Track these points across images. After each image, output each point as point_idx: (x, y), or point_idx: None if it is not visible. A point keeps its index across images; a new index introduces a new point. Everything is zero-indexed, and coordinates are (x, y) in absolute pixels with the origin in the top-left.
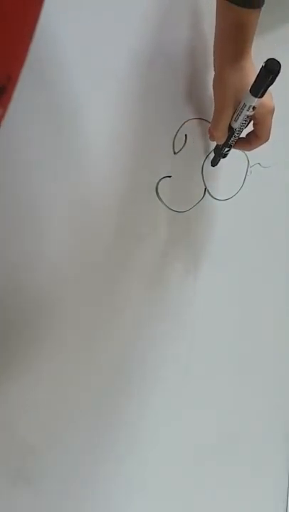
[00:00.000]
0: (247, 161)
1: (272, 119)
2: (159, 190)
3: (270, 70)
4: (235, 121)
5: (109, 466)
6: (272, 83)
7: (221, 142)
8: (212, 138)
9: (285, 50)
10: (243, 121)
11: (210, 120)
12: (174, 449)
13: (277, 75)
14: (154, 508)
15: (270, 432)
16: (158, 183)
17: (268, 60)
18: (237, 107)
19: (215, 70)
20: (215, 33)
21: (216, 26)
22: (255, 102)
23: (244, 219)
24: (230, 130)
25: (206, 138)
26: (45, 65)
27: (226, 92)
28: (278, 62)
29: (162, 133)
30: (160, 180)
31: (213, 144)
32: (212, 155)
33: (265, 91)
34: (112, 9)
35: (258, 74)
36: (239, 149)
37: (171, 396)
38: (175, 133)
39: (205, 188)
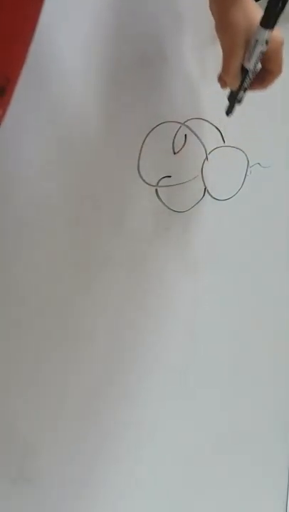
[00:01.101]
0: (247, 161)
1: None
2: (159, 190)
3: None
4: (249, 60)
5: (109, 466)
6: (282, 11)
7: (235, 87)
8: (224, 85)
9: (285, 50)
10: (257, 59)
11: (210, 120)
12: (174, 449)
13: (286, 2)
14: (153, 507)
15: (270, 432)
16: (158, 183)
17: None
18: (248, 47)
19: (215, 16)
20: None
21: None
22: (267, 34)
23: (244, 219)
24: (244, 72)
25: (206, 138)
26: (43, 65)
27: (235, 33)
28: None
29: (162, 133)
30: (160, 180)
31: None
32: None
33: (276, 21)
34: (110, 9)
35: (268, 4)
36: (253, 90)
37: (171, 396)
38: (175, 133)
39: (205, 188)
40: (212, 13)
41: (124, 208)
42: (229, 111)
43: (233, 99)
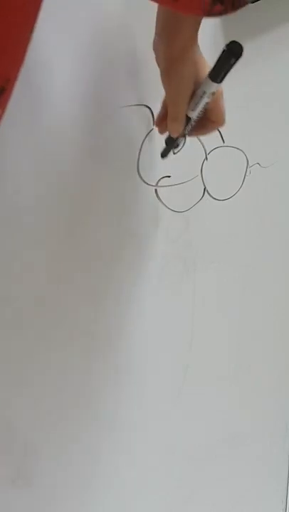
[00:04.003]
0: (246, 161)
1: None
2: (158, 190)
3: (233, 53)
4: (193, 110)
5: (109, 467)
6: (232, 67)
7: (178, 133)
8: (163, 130)
9: (285, 50)
10: (202, 110)
11: None
12: (174, 449)
13: (239, 58)
14: (153, 507)
15: (270, 432)
16: (157, 183)
17: (230, 42)
18: (194, 97)
19: (162, 64)
20: (159, 25)
21: (159, 18)
22: (215, 87)
23: (243, 219)
24: (186, 120)
25: (206, 138)
26: (41, 65)
27: (183, 83)
28: (240, 44)
29: None
30: (159, 180)
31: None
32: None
33: (225, 75)
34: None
35: (219, 58)
36: (194, 136)
37: (171, 396)
38: None
39: (204, 188)
40: (158, 59)
41: (124, 208)
42: (165, 154)
43: (172, 144)
